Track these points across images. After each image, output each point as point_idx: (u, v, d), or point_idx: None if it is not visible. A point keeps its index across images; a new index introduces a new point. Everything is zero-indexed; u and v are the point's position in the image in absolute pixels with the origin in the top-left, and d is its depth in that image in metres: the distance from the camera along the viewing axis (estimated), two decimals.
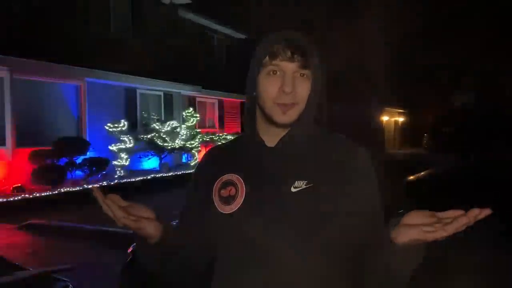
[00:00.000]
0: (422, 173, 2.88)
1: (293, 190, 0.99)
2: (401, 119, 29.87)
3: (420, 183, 2.75)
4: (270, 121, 1.04)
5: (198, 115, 14.55)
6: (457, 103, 27.22)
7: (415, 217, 0.88)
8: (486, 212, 0.82)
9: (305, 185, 0.99)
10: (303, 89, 1.02)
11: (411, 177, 2.80)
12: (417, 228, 0.85)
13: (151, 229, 0.99)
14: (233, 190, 1.03)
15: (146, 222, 0.98)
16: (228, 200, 1.03)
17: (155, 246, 1.02)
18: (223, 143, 1.22)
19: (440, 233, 0.83)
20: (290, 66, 1.00)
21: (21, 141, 8.87)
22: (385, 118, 26.32)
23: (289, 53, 1.00)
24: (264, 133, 1.08)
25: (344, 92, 21.69)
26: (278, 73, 1.01)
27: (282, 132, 1.06)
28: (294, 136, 1.06)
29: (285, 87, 0.99)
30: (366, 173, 1.05)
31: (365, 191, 1.03)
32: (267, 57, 1.02)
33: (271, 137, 1.07)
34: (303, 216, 0.98)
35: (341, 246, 1.00)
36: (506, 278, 1.95)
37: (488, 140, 17.78)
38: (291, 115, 1.02)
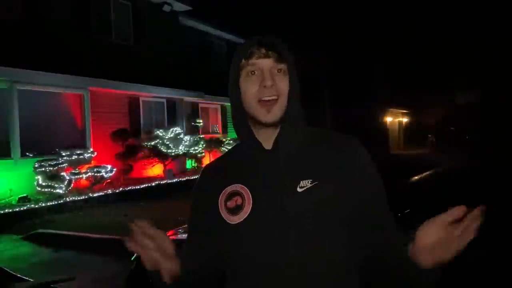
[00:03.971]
0: (427, 173, 2.87)
1: (299, 190, 0.99)
2: (405, 120, 29.78)
3: (425, 183, 2.73)
4: (257, 122, 1.05)
5: (201, 121, 14.58)
6: (462, 102, 27.11)
7: (429, 235, 0.88)
8: (481, 208, 0.85)
9: (310, 183, 0.99)
10: (283, 84, 1.03)
11: (416, 177, 2.78)
12: (438, 249, 0.86)
13: (169, 271, 0.98)
14: (239, 200, 1.03)
15: (167, 265, 0.97)
16: (235, 210, 1.03)
17: (171, 285, 1.00)
18: (217, 157, 1.22)
19: (463, 242, 0.85)
20: (266, 62, 1.03)
21: (25, 151, 8.91)
22: (389, 119, 26.26)
23: (263, 50, 1.03)
24: (257, 136, 1.08)
25: (348, 94, 21.69)
26: (256, 72, 1.03)
27: (273, 133, 1.06)
28: (287, 134, 1.05)
29: (265, 81, 1.01)
30: (367, 165, 1.06)
31: (368, 183, 1.04)
32: (243, 59, 1.04)
33: (265, 139, 1.07)
34: (313, 215, 0.98)
35: (350, 243, 1.01)
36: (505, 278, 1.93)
37: (493, 139, 17.66)
38: (276, 113, 1.03)
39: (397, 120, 28.51)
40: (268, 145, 1.07)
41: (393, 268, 0.98)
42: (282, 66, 1.04)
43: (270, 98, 1.01)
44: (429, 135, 25.57)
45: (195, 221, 1.14)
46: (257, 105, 1.02)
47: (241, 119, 1.09)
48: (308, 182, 0.99)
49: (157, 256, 0.95)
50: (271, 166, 1.04)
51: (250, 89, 1.03)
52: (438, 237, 0.86)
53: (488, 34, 27.48)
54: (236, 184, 1.05)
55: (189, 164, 13.42)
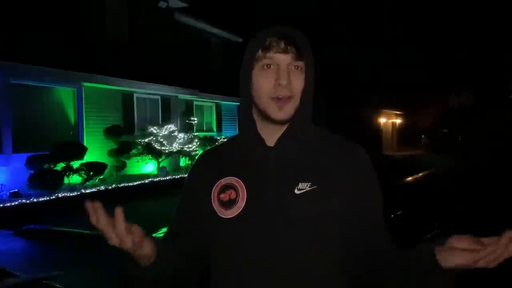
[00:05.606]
0: (421, 174, 2.87)
1: (297, 192, 0.97)
2: (398, 121, 29.94)
3: (419, 185, 2.73)
4: (266, 118, 1.00)
5: (195, 119, 14.55)
6: (455, 103, 27.29)
7: (460, 241, 0.81)
8: None
9: (309, 186, 0.97)
10: (298, 82, 0.99)
11: (410, 178, 2.78)
12: (465, 253, 0.79)
13: (148, 248, 0.89)
14: (234, 194, 1.00)
15: (145, 241, 0.87)
16: (228, 204, 1.00)
17: (151, 266, 0.92)
18: (215, 146, 1.17)
19: (489, 264, 0.78)
20: (284, 58, 0.97)
21: (18, 146, 8.83)
22: (382, 120, 26.38)
23: (282, 45, 0.97)
24: (261, 131, 1.04)
25: (342, 95, 21.74)
26: (272, 66, 0.98)
27: (279, 130, 1.03)
28: (294, 134, 1.02)
29: (281, 79, 0.96)
30: (367, 172, 1.04)
31: (368, 190, 1.02)
32: (260, 51, 0.99)
33: (268, 136, 1.03)
34: (309, 218, 0.96)
35: (345, 247, 1.00)
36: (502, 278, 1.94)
37: (486, 140, 17.79)
38: (288, 111, 0.98)
39: (390, 121, 28.66)
40: (270, 141, 1.03)
41: (392, 269, 0.95)
42: (300, 63, 0.99)
43: (283, 96, 0.97)
44: (423, 136, 25.71)
45: (184, 208, 1.10)
46: (269, 101, 0.98)
47: (247, 111, 1.05)
48: (306, 185, 0.97)
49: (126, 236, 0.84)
50: (271, 165, 1.00)
51: (263, 84, 0.98)
52: (470, 247, 0.80)
53: (482, 36, 27.68)
54: (231, 177, 1.02)
55: (183, 161, 13.38)
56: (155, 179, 10.87)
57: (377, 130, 25.35)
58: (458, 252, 0.80)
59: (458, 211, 2.10)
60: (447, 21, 29.17)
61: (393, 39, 27.23)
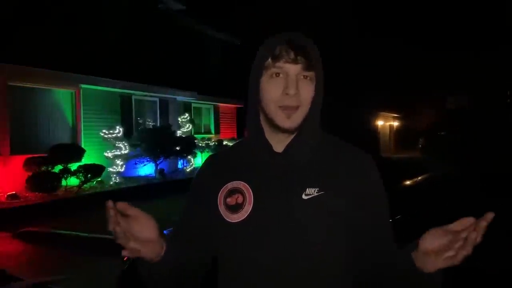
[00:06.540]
0: (420, 177, 2.86)
1: (304, 197, 0.97)
2: (396, 123, 30.02)
3: (418, 188, 2.73)
4: (274, 126, 1.00)
5: (193, 121, 14.55)
6: (452, 105, 27.37)
7: (431, 241, 0.87)
8: (489, 216, 0.81)
9: (316, 192, 0.97)
10: (307, 92, 0.98)
11: (408, 182, 2.78)
12: (440, 255, 0.84)
13: (149, 253, 0.92)
14: (240, 198, 1.00)
15: (145, 248, 0.91)
16: (235, 208, 1.00)
17: (153, 265, 0.95)
18: (223, 150, 1.17)
19: (462, 254, 0.82)
20: (293, 68, 0.97)
21: (15, 148, 8.81)
22: (380, 123, 26.44)
23: (292, 55, 0.96)
24: (268, 137, 1.04)
25: (341, 97, 21.78)
26: (281, 75, 0.97)
27: (287, 137, 1.03)
28: (302, 141, 1.02)
29: (289, 89, 0.96)
30: (370, 177, 1.04)
31: (370, 195, 1.02)
32: (269, 59, 0.98)
33: (276, 143, 1.03)
34: (316, 224, 0.96)
35: (353, 252, 1.00)
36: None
37: (483, 143, 17.84)
38: (295, 120, 0.98)
39: (388, 123, 28.74)
40: (278, 148, 1.03)
41: (392, 275, 0.97)
42: (309, 73, 0.98)
43: (291, 106, 0.97)
44: (420, 139, 25.77)
45: (189, 212, 1.09)
46: (277, 109, 0.97)
47: (254, 117, 1.04)
48: (314, 191, 0.97)
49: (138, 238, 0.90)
50: (279, 170, 1.01)
51: (271, 93, 0.97)
52: (441, 244, 0.85)
53: (480, 37, 27.78)
54: (238, 181, 1.02)
55: (181, 164, 13.37)
56: (153, 181, 10.85)
57: (374, 132, 25.42)
58: (433, 256, 0.85)
59: (458, 215, 2.10)
60: (446, 22, 29.27)
61: (391, 40, 27.30)
